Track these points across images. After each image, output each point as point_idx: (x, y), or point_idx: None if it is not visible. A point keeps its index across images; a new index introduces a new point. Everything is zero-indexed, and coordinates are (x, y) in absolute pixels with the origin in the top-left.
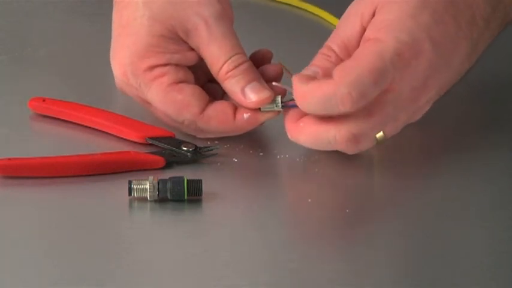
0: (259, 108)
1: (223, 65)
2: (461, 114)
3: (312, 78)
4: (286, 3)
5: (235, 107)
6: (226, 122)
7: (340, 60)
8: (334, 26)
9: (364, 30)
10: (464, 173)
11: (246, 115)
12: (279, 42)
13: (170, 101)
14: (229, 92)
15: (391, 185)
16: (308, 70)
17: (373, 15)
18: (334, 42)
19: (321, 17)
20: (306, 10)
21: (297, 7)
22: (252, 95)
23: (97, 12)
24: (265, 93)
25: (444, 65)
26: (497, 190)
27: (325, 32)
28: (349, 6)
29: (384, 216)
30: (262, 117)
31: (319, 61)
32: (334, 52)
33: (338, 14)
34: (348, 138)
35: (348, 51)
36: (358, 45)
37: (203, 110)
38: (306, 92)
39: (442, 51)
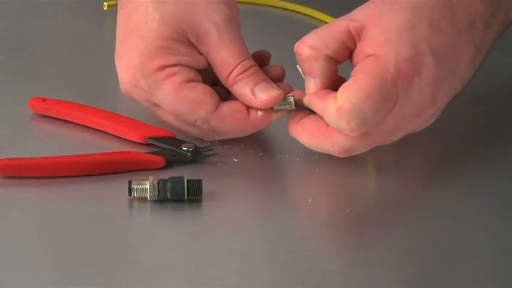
0: (271, 108)
1: (232, 70)
2: (462, 115)
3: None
4: (284, 8)
5: (247, 107)
6: (241, 119)
7: (313, 50)
8: None
9: (349, 31)
10: (465, 173)
11: (260, 113)
12: (276, 45)
13: (183, 99)
14: (238, 95)
15: (391, 185)
16: (308, 83)
17: (364, 26)
18: (308, 35)
19: (321, 20)
20: (304, 14)
21: (293, 11)
22: (262, 94)
23: (97, 12)
24: (275, 92)
25: (449, 75)
26: (498, 190)
27: None
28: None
29: (383, 216)
30: (274, 116)
31: (302, 67)
32: (305, 43)
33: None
34: (340, 153)
35: (324, 40)
36: (339, 41)
37: (216, 108)
38: (323, 115)
39: (444, 62)
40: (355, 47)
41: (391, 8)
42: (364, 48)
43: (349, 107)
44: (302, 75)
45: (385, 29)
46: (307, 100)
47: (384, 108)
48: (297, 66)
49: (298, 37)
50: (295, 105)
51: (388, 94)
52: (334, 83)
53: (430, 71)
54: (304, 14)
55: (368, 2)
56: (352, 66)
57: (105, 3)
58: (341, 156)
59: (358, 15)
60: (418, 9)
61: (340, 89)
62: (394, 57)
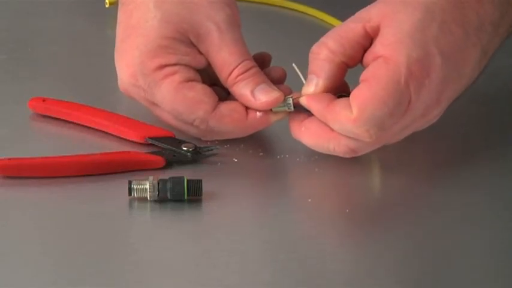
0: (270, 109)
1: (233, 70)
2: (463, 115)
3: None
4: (285, 7)
5: (246, 107)
6: (240, 120)
7: (331, 53)
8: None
9: (366, 33)
10: (465, 173)
11: (259, 113)
12: (277, 46)
13: (181, 98)
14: (238, 96)
15: (391, 185)
16: (310, 82)
17: (379, 25)
18: (328, 37)
19: (323, 20)
20: (307, 14)
21: (296, 11)
22: (262, 96)
23: (97, 12)
24: (275, 94)
25: (455, 76)
26: (498, 190)
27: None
28: (358, 12)
29: (384, 216)
30: (273, 117)
31: (312, 65)
32: (326, 46)
33: (340, 17)
34: (346, 152)
35: (342, 44)
36: (357, 45)
37: (215, 108)
38: (327, 122)
39: (452, 64)
40: (370, 46)
41: (403, 8)
42: (375, 47)
43: (367, 116)
44: (299, 74)
45: (397, 29)
46: (305, 102)
47: (399, 112)
48: (293, 65)
49: (301, 38)
50: (294, 107)
51: (402, 97)
52: (337, 87)
53: (438, 72)
54: (308, 14)
55: (378, 0)
56: (362, 65)
57: (106, 1)
58: (346, 156)
59: (372, 14)
60: (430, 10)
61: (354, 97)
62: (406, 59)
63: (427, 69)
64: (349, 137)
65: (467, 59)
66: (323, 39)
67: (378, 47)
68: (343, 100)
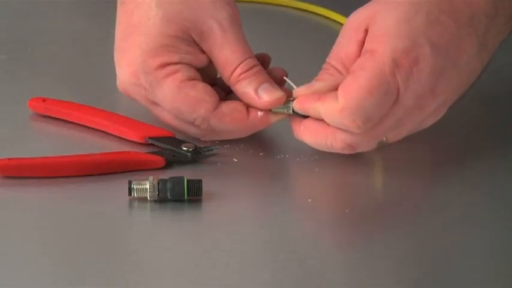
0: (270, 110)
1: (236, 68)
2: (463, 115)
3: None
4: (286, 6)
5: (247, 106)
6: (240, 119)
7: (338, 73)
8: (340, 24)
9: (360, 44)
10: (466, 173)
11: (260, 113)
12: (278, 45)
13: (183, 97)
14: (240, 94)
15: (391, 185)
16: (307, 85)
17: (367, 27)
18: (333, 59)
19: (326, 17)
20: (308, 11)
21: (298, 8)
22: (265, 95)
23: (97, 12)
24: (278, 94)
25: (450, 67)
26: (498, 190)
27: (330, 32)
28: (348, 19)
29: (383, 216)
30: (273, 118)
31: (324, 75)
32: (335, 68)
33: (344, 13)
34: (343, 147)
35: (346, 68)
36: (353, 60)
37: (216, 107)
38: (320, 115)
39: (444, 53)
40: None
41: (390, 6)
42: (364, 46)
43: (352, 105)
44: (292, 85)
45: (382, 24)
46: (297, 105)
47: (387, 102)
48: (284, 77)
49: (302, 38)
50: (293, 111)
51: (389, 88)
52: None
53: (428, 62)
54: (311, 12)
55: (369, 2)
56: None
57: None
58: (345, 152)
59: (359, 19)
60: (415, 3)
61: (341, 88)
62: (391, 50)
63: (415, 59)
64: (344, 132)
65: (463, 49)
66: (330, 61)
67: (366, 44)
68: (333, 92)
